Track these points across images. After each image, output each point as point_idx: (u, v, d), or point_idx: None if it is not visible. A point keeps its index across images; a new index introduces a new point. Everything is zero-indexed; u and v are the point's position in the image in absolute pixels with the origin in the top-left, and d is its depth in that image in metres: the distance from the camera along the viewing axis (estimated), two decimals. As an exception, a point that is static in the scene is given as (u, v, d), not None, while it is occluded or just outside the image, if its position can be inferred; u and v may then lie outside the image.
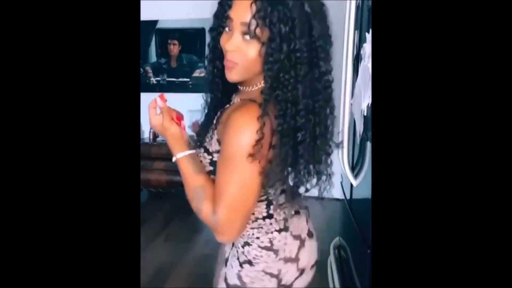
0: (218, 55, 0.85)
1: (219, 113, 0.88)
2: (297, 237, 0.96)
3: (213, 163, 0.85)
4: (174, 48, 3.79)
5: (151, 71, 3.88)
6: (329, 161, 0.90)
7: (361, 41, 1.42)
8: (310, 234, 1.02)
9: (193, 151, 0.85)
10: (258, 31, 0.74)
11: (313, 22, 0.77)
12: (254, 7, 0.72)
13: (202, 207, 0.81)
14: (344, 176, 1.85)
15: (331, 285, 1.92)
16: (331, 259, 2.09)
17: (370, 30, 1.17)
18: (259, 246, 0.92)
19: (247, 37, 0.75)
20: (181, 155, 0.83)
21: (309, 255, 0.99)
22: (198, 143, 0.91)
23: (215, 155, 0.84)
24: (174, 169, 3.73)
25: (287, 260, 0.93)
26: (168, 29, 3.77)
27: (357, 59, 1.45)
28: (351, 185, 1.70)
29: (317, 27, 0.78)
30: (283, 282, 0.93)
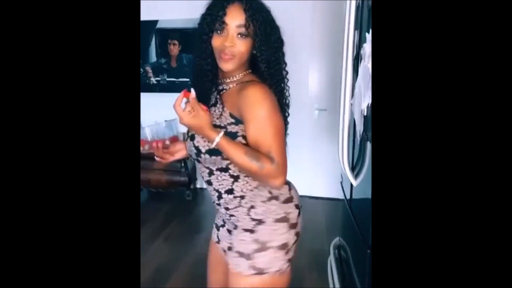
0: (209, 54, 1.06)
1: (218, 95, 1.09)
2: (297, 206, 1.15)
3: (227, 133, 1.03)
4: (174, 48, 3.79)
5: (151, 71, 3.88)
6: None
7: (361, 41, 1.42)
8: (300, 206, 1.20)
9: (222, 131, 1.01)
10: (250, 30, 1.00)
11: (276, 24, 1.07)
12: (247, 13, 0.99)
13: (263, 163, 0.97)
14: (344, 176, 1.85)
15: (331, 285, 1.92)
16: (331, 259, 2.09)
17: (370, 30, 1.17)
18: (262, 201, 1.08)
19: (239, 36, 1.01)
20: (220, 135, 0.99)
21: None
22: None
23: (228, 127, 1.04)
24: (174, 169, 3.74)
25: (285, 201, 1.11)
26: (168, 29, 3.76)
27: (357, 59, 1.45)
28: (351, 185, 1.70)
29: (279, 28, 1.08)
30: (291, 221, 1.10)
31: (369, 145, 1.35)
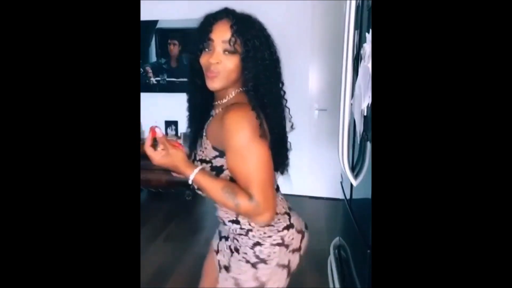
0: (197, 73, 1.01)
1: (205, 126, 1.03)
2: (299, 231, 1.11)
3: (214, 168, 0.98)
4: (174, 48, 3.79)
5: (151, 71, 3.88)
6: (288, 146, 1.13)
7: (361, 41, 1.42)
8: (306, 226, 1.17)
9: (200, 166, 0.96)
10: (237, 46, 0.94)
11: (270, 40, 1.01)
12: (233, 28, 0.94)
13: (239, 200, 0.90)
14: (344, 176, 1.85)
15: (331, 285, 1.92)
16: (331, 259, 2.09)
17: (370, 30, 1.17)
18: (271, 244, 1.03)
19: (226, 52, 0.95)
20: (196, 171, 0.93)
21: (307, 243, 1.14)
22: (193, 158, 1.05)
23: (213, 161, 0.98)
24: (174, 169, 3.72)
25: (294, 250, 1.08)
26: (168, 29, 3.76)
27: (357, 59, 1.45)
28: (351, 185, 1.70)
29: (274, 45, 1.01)
30: (291, 271, 1.08)
31: (369, 145, 1.35)
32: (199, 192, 1.03)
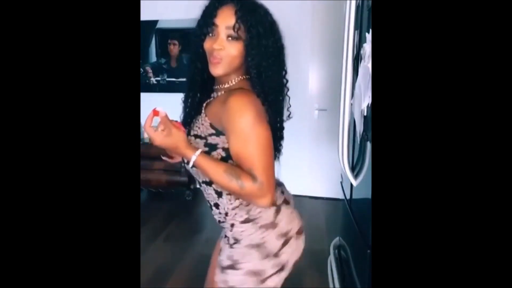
0: (199, 57, 1.02)
1: (204, 104, 1.03)
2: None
3: (207, 144, 0.99)
4: (174, 48, 3.79)
5: (151, 71, 3.88)
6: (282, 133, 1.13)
7: (361, 41, 1.42)
8: (286, 202, 1.11)
9: (200, 148, 0.95)
10: (240, 32, 0.94)
11: (275, 27, 1.00)
12: (237, 14, 0.93)
13: (243, 182, 0.90)
14: (344, 176, 1.85)
15: (331, 285, 1.92)
16: (331, 259, 2.09)
17: (370, 30, 1.17)
18: (240, 222, 1.03)
19: (230, 38, 0.95)
20: (197, 153, 0.93)
21: (287, 219, 1.07)
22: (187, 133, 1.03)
23: (208, 138, 0.99)
24: (174, 169, 3.74)
25: (266, 227, 1.03)
26: (168, 29, 3.76)
27: (357, 59, 1.45)
28: (351, 185, 1.70)
29: (278, 32, 1.01)
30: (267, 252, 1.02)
31: (369, 145, 1.35)
32: (188, 169, 1.02)
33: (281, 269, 1.04)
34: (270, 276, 1.03)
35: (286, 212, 1.07)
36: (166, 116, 0.92)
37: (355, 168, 1.56)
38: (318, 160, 3.64)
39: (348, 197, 1.85)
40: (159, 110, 0.90)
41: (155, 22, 3.78)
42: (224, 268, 1.04)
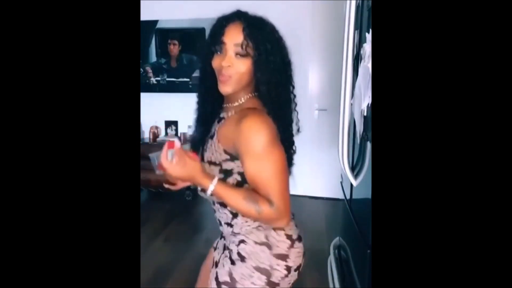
0: (208, 76, 1.02)
1: (215, 128, 1.03)
2: (289, 236, 1.05)
3: (222, 171, 0.99)
4: (174, 48, 3.79)
5: (151, 71, 3.88)
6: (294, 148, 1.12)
7: (361, 41, 1.42)
8: (299, 238, 1.09)
9: (216, 176, 0.95)
10: (248, 49, 0.94)
11: (282, 43, 1.01)
12: (245, 31, 0.94)
13: (262, 208, 0.91)
14: (344, 176, 1.85)
15: (331, 285, 1.92)
16: (331, 259, 2.09)
17: (370, 30, 1.17)
18: (255, 242, 1.02)
19: (238, 55, 0.95)
20: (214, 182, 0.92)
21: (297, 255, 1.06)
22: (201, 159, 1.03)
23: (223, 164, 0.98)
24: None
25: (279, 256, 1.02)
26: (168, 29, 3.77)
27: (357, 59, 1.45)
28: (351, 185, 1.70)
29: (286, 48, 1.02)
30: (272, 279, 1.01)
31: (369, 145, 1.35)
32: (201, 194, 1.02)
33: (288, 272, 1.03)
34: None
35: (298, 248, 1.07)
36: (181, 148, 0.93)
37: (355, 168, 1.56)
38: (318, 160, 3.65)
39: (348, 197, 1.85)
40: (174, 142, 0.92)
41: (155, 22, 3.78)
42: (221, 283, 1.03)
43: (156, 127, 3.82)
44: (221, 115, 1.04)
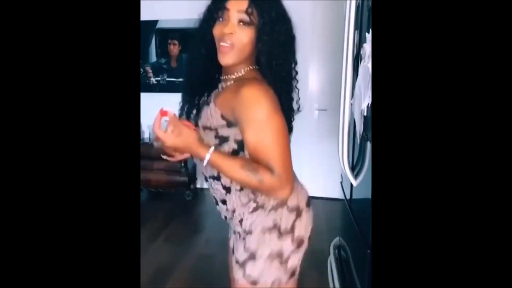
0: (207, 45, 0.96)
1: (212, 95, 0.99)
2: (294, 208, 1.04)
3: (218, 136, 0.95)
4: (174, 48, 3.79)
5: (151, 71, 3.88)
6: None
7: (361, 41, 1.42)
8: (308, 203, 1.08)
9: (213, 146, 0.91)
10: (253, 16, 0.89)
11: (287, 16, 0.97)
12: None
13: (262, 176, 0.87)
14: (344, 176, 1.85)
15: (331, 285, 1.92)
16: (331, 259, 2.09)
17: (370, 30, 1.17)
18: (252, 210, 1.01)
19: (241, 23, 0.90)
20: (211, 151, 0.89)
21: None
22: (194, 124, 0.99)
23: (219, 129, 0.94)
24: (174, 169, 3.74)
25: (274, 207, 1.01)
26: (168, 29, 3.76)
27: (357, 59, 1.45)
28: (351, 185, 1.70)
29: (291, 21, 0.97)
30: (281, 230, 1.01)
31: (369, 145, 1.35)
32: (205, 172, 1.01)
33: (299, 245, 1.02)
34: (290, 255, 1.01)
35: (307, 218, 1.06)
36: (175, 115, 0.89)
37: (355, 168, 1.56)
38: (318, 160, 3.64)
39: (348, 197, 1.85)
40: (167, 110, 0.87)
41: (155, 22, 3.78)
42: (242, 263, 1.01)
43: (156, 127, 3.81)
44: (218, 86, 1.00)
